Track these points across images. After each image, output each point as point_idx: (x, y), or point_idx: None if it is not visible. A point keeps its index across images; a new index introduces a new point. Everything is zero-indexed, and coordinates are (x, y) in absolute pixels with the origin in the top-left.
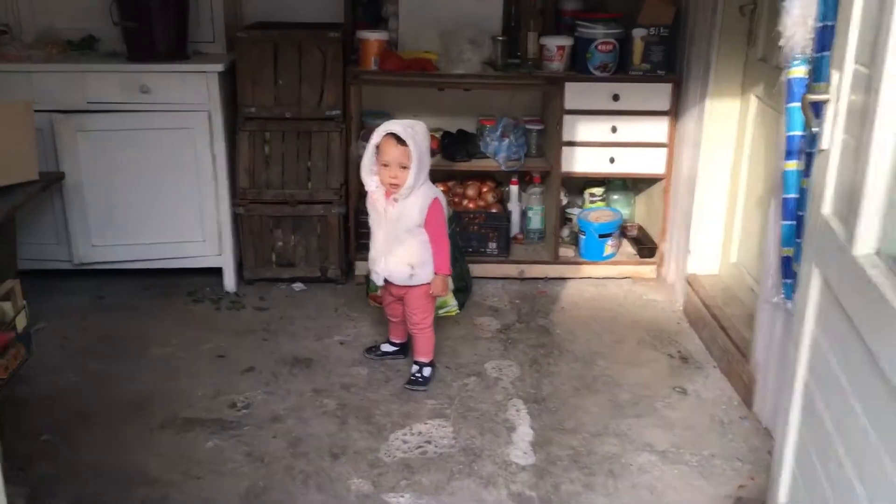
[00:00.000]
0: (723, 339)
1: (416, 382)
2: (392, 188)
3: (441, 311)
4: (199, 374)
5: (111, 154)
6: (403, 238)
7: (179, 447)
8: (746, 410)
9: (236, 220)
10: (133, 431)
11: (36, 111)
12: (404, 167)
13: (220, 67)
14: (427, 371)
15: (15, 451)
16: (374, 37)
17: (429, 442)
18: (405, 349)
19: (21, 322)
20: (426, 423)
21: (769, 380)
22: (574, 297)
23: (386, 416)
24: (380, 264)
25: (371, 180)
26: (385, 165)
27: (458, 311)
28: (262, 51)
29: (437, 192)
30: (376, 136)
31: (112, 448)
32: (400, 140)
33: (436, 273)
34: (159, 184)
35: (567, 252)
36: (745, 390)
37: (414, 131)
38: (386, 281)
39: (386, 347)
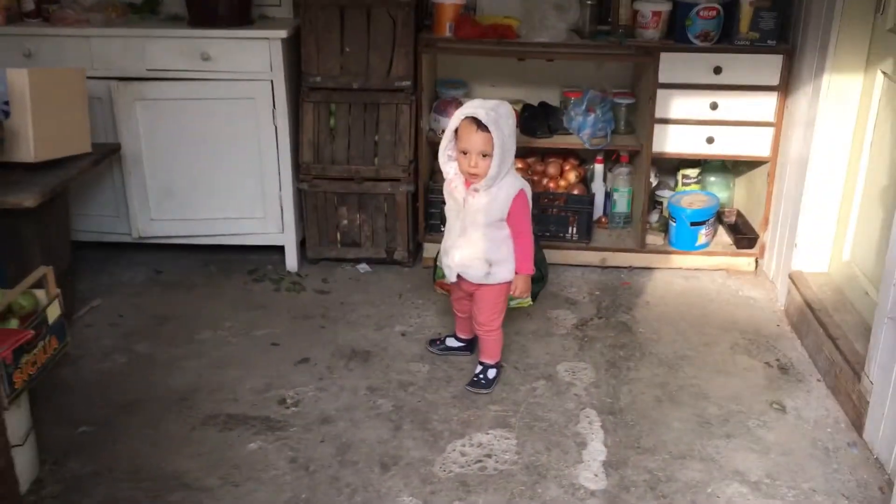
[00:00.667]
0: (830, 349)
1: (479, 384)
2: (472, 178)
3: (513, 303)
4: (251, 363)
5: (170, 124)
6: (483, 232)
7: (221, 448)
8: (856, 436)
9: (300, 195)
10: (175, 427)
11: (94, 78)
12: (486, 155)
13: (283, 34)
14: (492, 373)
15: (52, 442)
16: (449, 0)
17: (489, 456)
18: (472, 345)
19: (53, 312)
20: (488, 434)
21: (885, 404)
22: (661, 291)
23: (444, 422)
24: (454, 258)
25: (450, 166)
26: (464, 153)
27: (531, 302)
28: (328, 16)
29: (522, 182)
30: (455, 120)
31: (151, 445)
32: (481, 125)
33: (517, 273)
34: (219, 157)
35: (655, 239)
36: (855, 412)
37: (497, 114)
38: (458, 276)
39: (451, 342)
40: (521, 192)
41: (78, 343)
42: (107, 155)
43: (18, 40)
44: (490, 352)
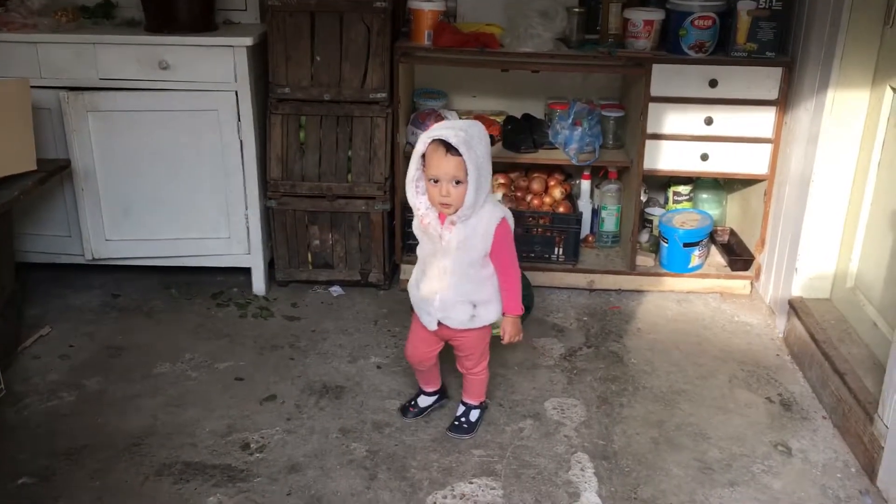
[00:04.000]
0: (837, 384)
1: (461, 430)
2: (444, 208)
3: (496, 331)
4: (212, 401)
5: (126, 138)
6: (465, 271)
7: (173, 500)
8: (867, 482)
9: (267, 214)
10: (125, 478)
11: (42, 88)
12: (458, 182)
13: (248, 41)
14: (475, 414)
15: None
16: (428, 7)
17: None
18: (445, 390)
19: None
20: (471, 483)
21: None
22: (652, 316)
23: (423, 469)
24: (434, 303)
25: (419, 200)
26: (434, 181)
27: None
28: (297, 22)
29: (503, 210)
30: (421, 145)
31: (96, 500)
32: (451, 148)
33: (506, 313)
34: (180, 172)
35: (646, 261)
36: (867, 456)
37: (468, 135)
38: (439, 322)
39: (424, 401)
40: (503, 221)
41: (23, 378)
42: (54, 172)
43: None
44: (476, 392)
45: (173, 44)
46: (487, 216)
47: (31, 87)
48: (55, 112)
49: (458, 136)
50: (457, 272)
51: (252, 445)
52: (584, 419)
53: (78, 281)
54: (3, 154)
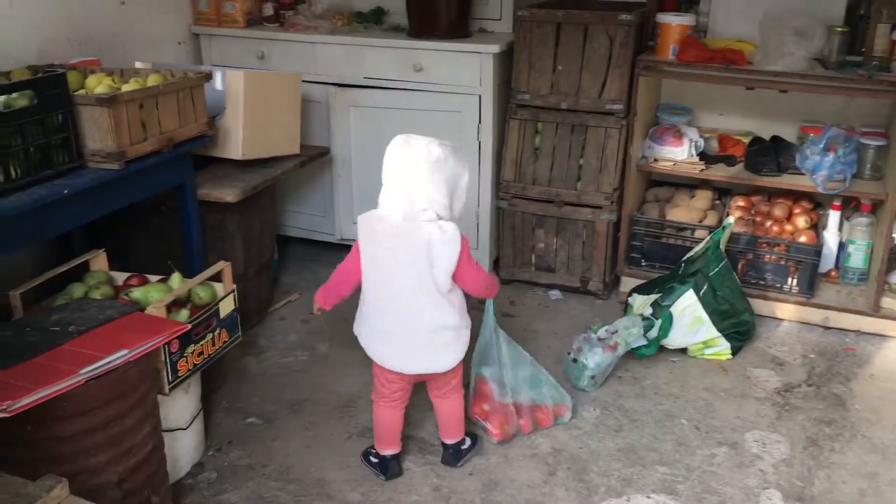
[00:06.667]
0: None
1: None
2: None
3: (708, 352)
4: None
5: (380, 131)
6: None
7: None
8: None
9: (498, 214)
10: (332, 433)
11: (316, 83)
12: None
13: (495, 49)
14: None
15: (222, 428)
16: (676, 21)
17: None
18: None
19: (227, 306)
20: (648, 497)
21: None
22: (891, 364)
23: (603, 475)
24: None
25: None
26: None
27: (730, 355)
28: (543, 32)
29: None
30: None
31: (306, 448)
32: None
33: None
34: None
35: (893, 304)
36: None
37: None
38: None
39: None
40: None
41: (269, 335)
42: (314, 158)
43: (255, 43)
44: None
45: (427, 48)
46: None
47: (307, 81)
48: (323, 105)
49: None
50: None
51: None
52: (786, 457)
53: (326, 257)
54: (272, 137)
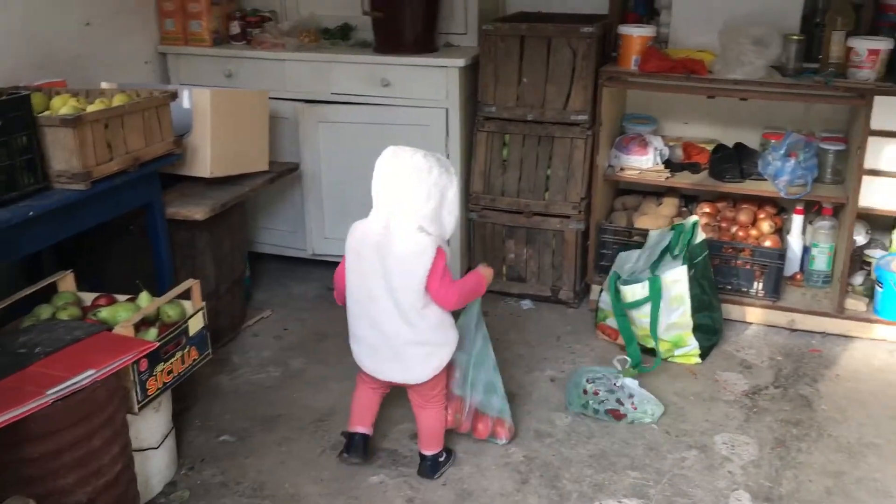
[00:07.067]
0: None
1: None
2: None
3: (678, 352)
4: (392, 392)
5: (349, 147)
6: None
7: (344, 476)
8: None
9: (468, 225)
10: (306, 448)
11: (284, 99)
12: None
13: (461, 62)
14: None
15: (195, 446)
16: (636, 32)
17: None
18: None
19: (196, 324)
20: (620, 502)
21: None
22: (856, 364)
23: (575, 481)
24: None
25: None
26: None
27: (699, 359)
28: (508, 46)
29: None
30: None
31: (280, 463)
32: None
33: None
34: None
35: (857, 305)
36: None
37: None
38: None
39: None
40: None
41: (242, 351)
42: (283, 174)
43: (223, 61)
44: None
45: (394, 63)
46: None
47: (275, 98)
48: (292, 121)
49: None
50: None
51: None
52: (755, 458)
53: (300, 273)
54: (240, 154)
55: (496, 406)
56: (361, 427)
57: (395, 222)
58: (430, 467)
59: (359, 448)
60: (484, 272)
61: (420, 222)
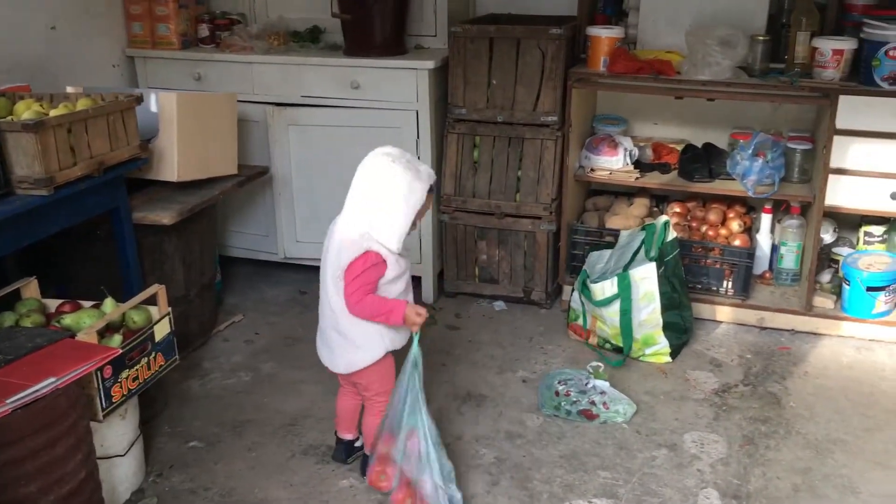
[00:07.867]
0: None
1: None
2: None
3: (648, 351)
4: None
5: (319, 150)
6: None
7: (314, 480)
8: None
9: (440, 227)
10: (276, 452)
11: (254, 103)
12: None
13: (430, 65)
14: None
15: (163, 453)
16: (605, 34)
17: None
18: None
19: (162, 329)
20: (590, 502)
21: None
22: (824, 361)
23: (545, 482)
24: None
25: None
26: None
27: (669, 358)
28: (477, 48)
29: None
30: (423, 193)
31: (249, 468)
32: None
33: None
34: None
35: (825, 302)
36: None
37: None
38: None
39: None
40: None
41: (212, 356)
42: (252, 177)
43: (191, 64)
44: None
45: (364, 66)
46: None
47: (245, 101)
48: (262, 124)
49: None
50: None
51: None
52: (723, 456)
53: (272, 276)
54: (208, 158)
55: (427, 491)
56: (341, 432)
57: (344, 218)
58: (344, 450)
59: (340, 452)
60: (409, 311)
61: (365, 223)
